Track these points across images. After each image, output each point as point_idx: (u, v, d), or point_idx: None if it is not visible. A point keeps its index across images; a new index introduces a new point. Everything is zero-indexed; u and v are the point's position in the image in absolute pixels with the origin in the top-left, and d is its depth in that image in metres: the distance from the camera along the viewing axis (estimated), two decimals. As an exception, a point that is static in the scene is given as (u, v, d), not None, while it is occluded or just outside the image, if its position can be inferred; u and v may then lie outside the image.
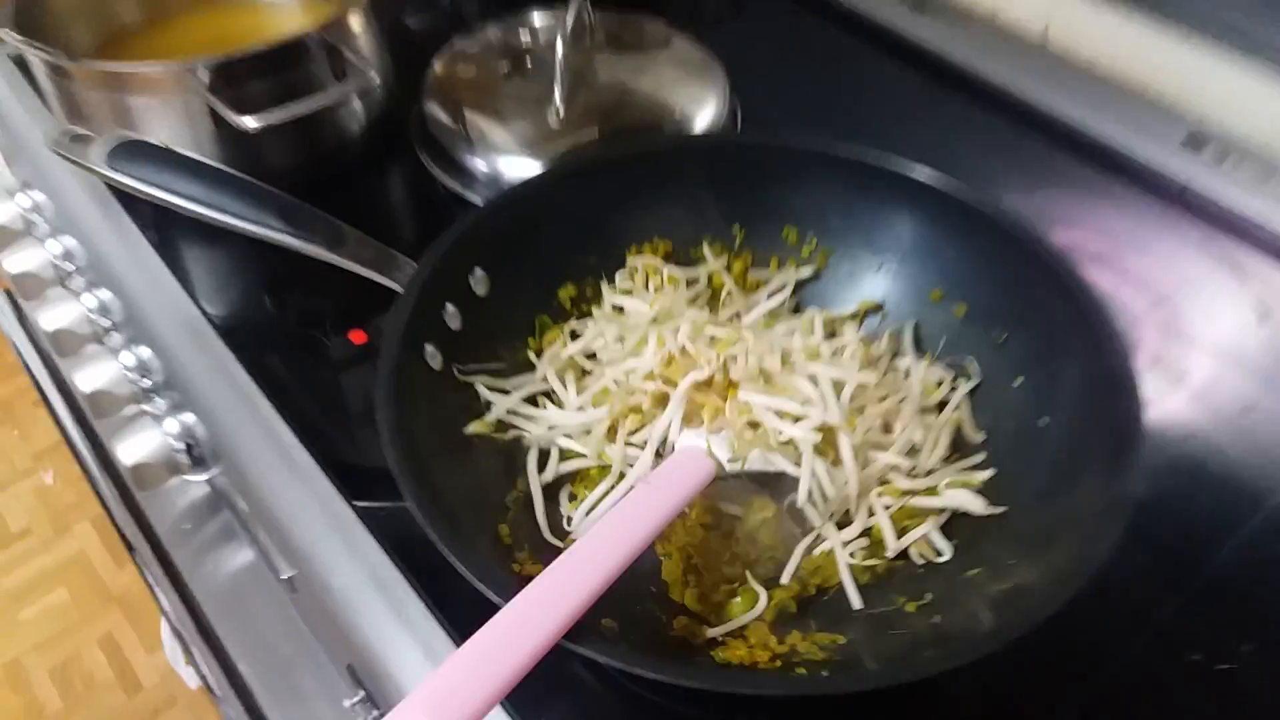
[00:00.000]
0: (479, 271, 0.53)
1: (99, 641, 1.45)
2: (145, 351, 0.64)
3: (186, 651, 0.66)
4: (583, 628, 0.37)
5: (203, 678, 0.62)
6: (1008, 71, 0.78)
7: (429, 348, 0.50)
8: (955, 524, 0.48)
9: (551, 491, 0.50)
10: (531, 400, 0.53)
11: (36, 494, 1.71)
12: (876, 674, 0.40)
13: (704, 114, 0.70)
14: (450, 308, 0.52)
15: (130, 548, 0.71)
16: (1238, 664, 0.45)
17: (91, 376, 0.65)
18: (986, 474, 0.48)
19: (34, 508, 1.69)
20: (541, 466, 0.50)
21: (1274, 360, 0.57)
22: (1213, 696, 0.44)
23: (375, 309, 0.60)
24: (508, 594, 0.37)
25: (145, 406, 0.64)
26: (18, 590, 1.58)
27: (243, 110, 0.60)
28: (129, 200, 0.64)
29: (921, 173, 0.54)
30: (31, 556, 1.62)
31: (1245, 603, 0.47)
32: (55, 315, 0.69)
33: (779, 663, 0.43)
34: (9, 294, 0.89)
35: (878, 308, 0.57)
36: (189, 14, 0.76)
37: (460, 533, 0.41)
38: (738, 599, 0.46)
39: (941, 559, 0.46)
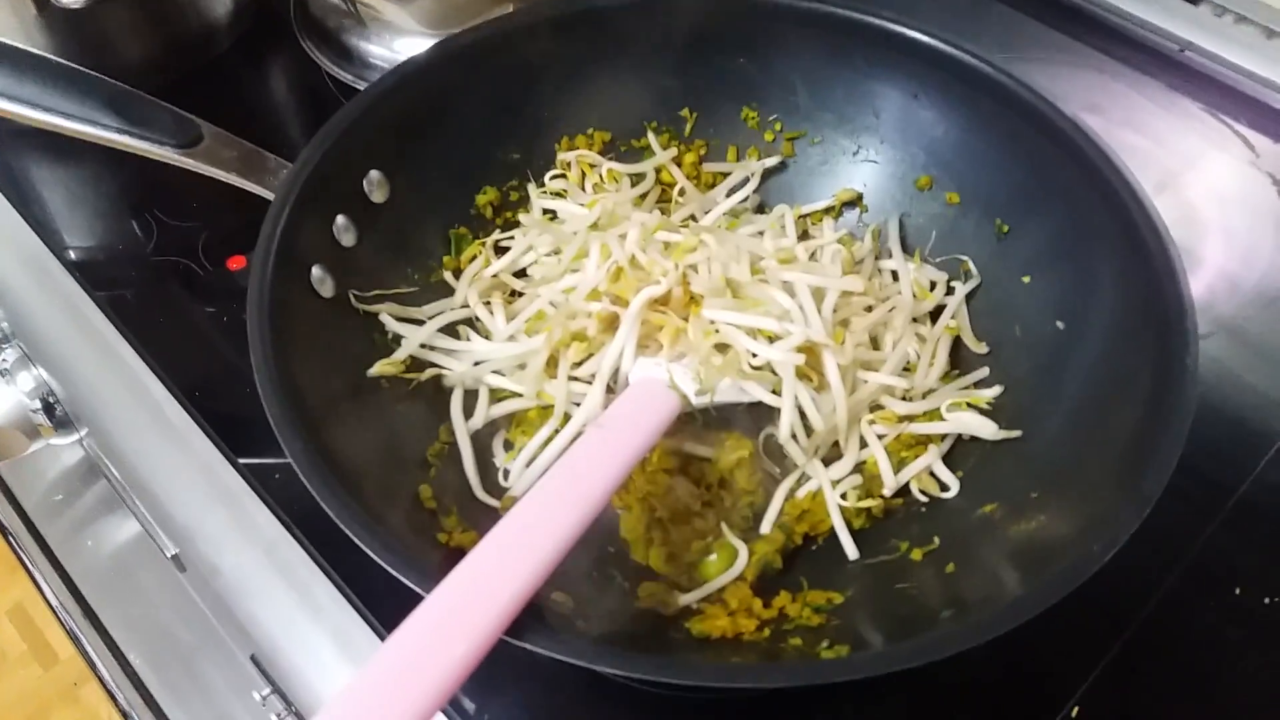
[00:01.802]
0: (374, 174, 0.43)
1: (8, 614, 1.34)
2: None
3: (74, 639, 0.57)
4: (529, 609, 0.29)
5: (93, 668, 0.53)
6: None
7: (316, 270, 0.40)
8: (961, 453, 0.40)
9: (483, 440, 0.41)
10: (451, 331, 0.43)
11: None
12: (888, 656, 0.32)
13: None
14: (341, 219, 0.42)
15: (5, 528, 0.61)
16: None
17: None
18: (994, 391, 0.41)
19: None
20: (469, 412, 0.41)
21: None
22: (1261, 637, 0.38)
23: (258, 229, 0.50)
24: (431, 576, 0.29)
25: (-14, 359, 0.53)
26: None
27: None
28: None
29: (902, 27, 0.45)
30: None
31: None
32: None
33: (767, 631, 0.36)
34: None
35: (857, 199, 0.48)
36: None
37: (365, 500, 0.32)
38: (713, 556, 0.39)
39: (948, 494, 0.39)
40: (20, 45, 0.44)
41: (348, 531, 0.30)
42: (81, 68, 0.42)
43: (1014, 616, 0.30)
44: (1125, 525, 0.30)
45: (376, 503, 0.34)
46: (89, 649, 0.54)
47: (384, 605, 0.37)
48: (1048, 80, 0.60)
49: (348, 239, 0.42)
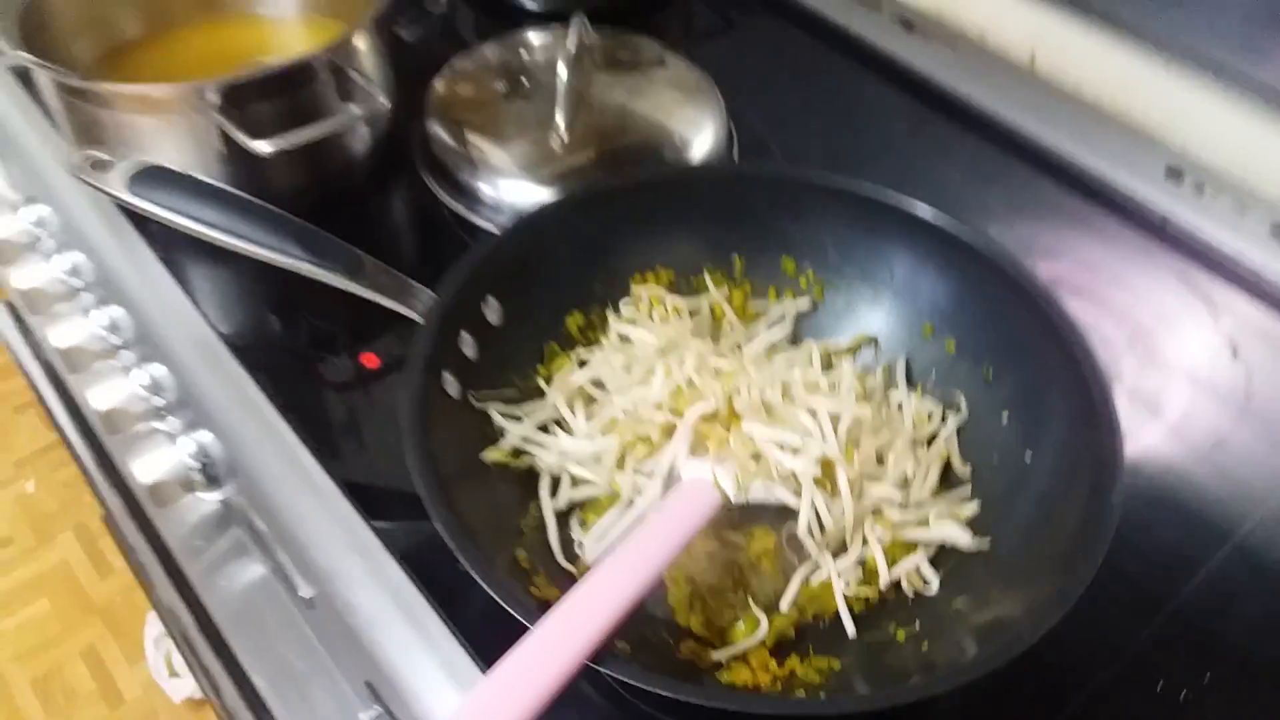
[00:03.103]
0: (492, 300, 0.55)
1: (81, 653, 1.45)
2: (159, 369, 0.65)
3: (179, 664, 0.68)
4: (601, 649, 0.40)
5: (215, 691, 0.64)
6: (994, 96, 0.81)
7: (447, 375, 0.52)
8: (943, 554, 0.51)
9: (564, 517, 0.52)
10: (543, 427, 0.55)
11: (18, 502, 1.70)
12: (869, 698, 0.43)
13: (702, 138, 0.72)
14: (466, 336, 0.54)
15: (139, 565, 0.72)
16: (1199, 694, 0.48)
17: (104, 394, 0.66)
18: (973, 506, 0.51)
19: (15, 517, 1.68)
20: (554, 492, 0.53)
21: (1243, 395, 0.61)
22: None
23: (384, 332, 0.62)
24: (532, 617, 0.40)
25: (158, 424, 0.65)
26: (-1, 600, 1.57)
27: (252, 133, 0.61)
28: (138, 218, 0.65)
29: (912, 206, 0.57)
30: (12, 567, 1.61)
31: (1210, 633, 0.51)
32: (64, 331, 0.70)
33: (779, 685, 0.46)
34: (10, 305, 0.89)
35: (872, 341, 0.59)
36: (190, 27, 0.77)
37: (484, 556, 0.43)
38: (741, 624, 0.49)
39: (930, 589, 0.50)
40: (222, 185, 0.57)
41: (477, 577, 0.41)
42: (274, 208, 0.55)
43: (966, 674, 0.40)
44: (1053, 613, 0.40)
45: (489, 559, 0.44)
46: (213, 672, 0.64)
47: (484, 640, 0.48)
48: (1048, 235, 0.72)
49: (470, 352, 0.54)
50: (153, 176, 0.55)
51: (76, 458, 0.82)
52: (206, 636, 0.65)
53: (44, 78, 0.66)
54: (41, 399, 0.85)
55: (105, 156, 0.56)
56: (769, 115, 0.80)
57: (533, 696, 0.38)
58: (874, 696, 0.44)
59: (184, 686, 1.31)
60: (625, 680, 0.40)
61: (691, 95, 0.76)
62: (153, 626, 1.37)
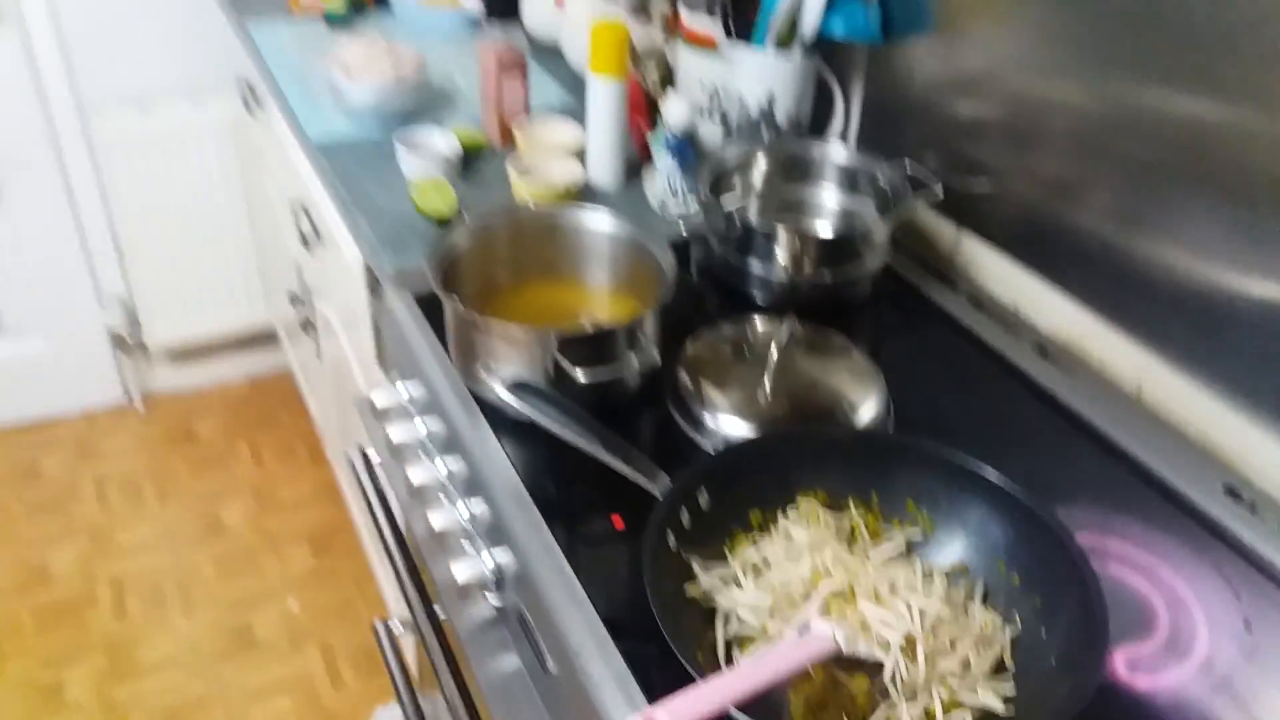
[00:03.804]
0: (704, 491, 0.86)
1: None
2: (479, 505, 0.99)
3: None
4: (741, 704, 0.66)
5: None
6: (1103, 414, 1.07)
7: (669, 534, 0.81)
8: (985, 715, 0.73)
9: (729, 644, 0.79)
10: (725, 581, 0.83)
11: (281, 615, 2.13)
12: None
13: (866, 409, 1.02)
14: (684, 512, 0.84)
15: (426, 647, 1.03)
16: None
17: (438, 517, 1.00)
18: (1009, 688, 0.74)
19: (277, 625, 2.11)
20: (725, 625, 0.80)
21: (1250, 658, 0.80)
22: None
23: (629, 503, 0.93)
24: (702, 674, 0.67)
25: (469, 543, 0.98)
26: (253, 689, 1.96)
27: (573, 363, 0.97)
28: (481, 401, 1.02)
29: (1003, 482, 0.83)
30: (266, 665, 2.02)
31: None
32: (416, 472, 1.06)
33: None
34: (362, 453, 1.28)
35: (962, 568, 0.84)
36: (539, 284, 1.17)
37: (681, 645, 0.71)
38: (837, 735, 0.73)
39: (972, 736, 0.72)
40: (563, 397, 0.91)
41: (676, 651, 0.69)
42: (591, 416, 0.88)
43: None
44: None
45: (693, 658, 0.72)
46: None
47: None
48: (1118, 519, 0.95)
49: (686, 522, 0.83)
50: (521, 387, 0.91)
51: (394, 565, 1.16)
52: (468, 707, 0.94)
53: (449, 309, 1.06)
54: (375, 520, 1.22)
55: (488, 372, 0.93)
56: (922, 399, 1.09)
57: (710, 708, 0.64)
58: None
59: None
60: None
61: (863, 378, 1.06)
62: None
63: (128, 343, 2.65)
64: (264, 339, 2.75)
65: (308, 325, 2.06)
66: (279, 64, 1.78)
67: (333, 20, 1.94)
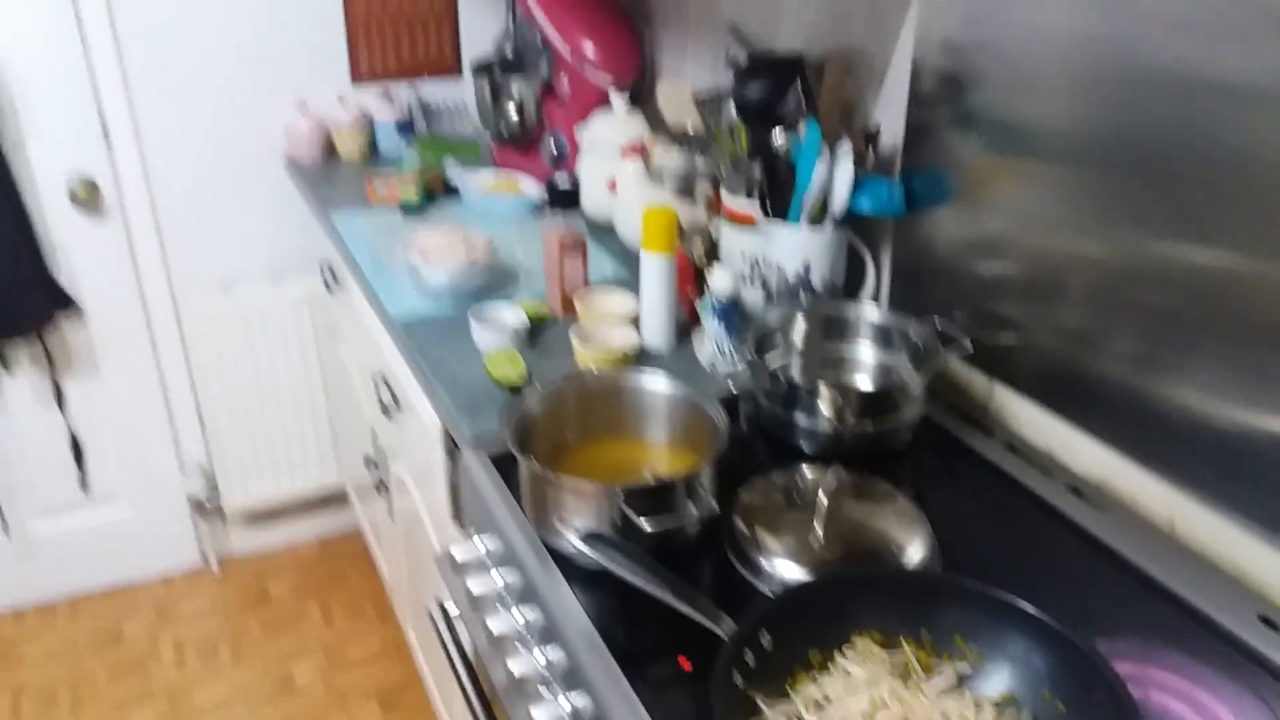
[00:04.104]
0: (766, 633, 0.93)
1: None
2: (556, 651, 1.07)
3: None
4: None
5: None
6: (1137, 548, 1.13)
7: (735, 672, 0.89)
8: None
9: (795, 772, 0.85)
10: (789, 717, 0.89)
11: None
12: None
13: (914, 550, 1.09)
14: (748, 652, 0.91)
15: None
16: None
17: (517, 664, 1.08)
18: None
19: None
20: (791, 756, 0.86)
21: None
22: None
23: (694, 646, 1.01)
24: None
25: (546, 688, 1.06)
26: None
27: (638, 513, 1.07)
28: (554, 551, 1.11)
29: (1046, 618, 0.90)
30: None
31: None
32: (495, 623, 1.14)
33: None
34: (441, 607, 1.37)
35: (1010, 698, 0.90)
36: (604, 442, 1.29)
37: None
38: None
39: None
40: (631, 545, 1.01)
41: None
42: (659, 564, 0.98)
43: None
44: None
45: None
46: None
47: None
48: (1141, 639, 1.00)
49: (750, 662, 0.91)
50: (594, 538, 1.01)
51: (473, 713, 1.23)
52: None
53: (525, 468, 1.17)
54: (455, 669, 1.29)
55: (562, 525, 1.03)
56: (965, 540, 1.16)
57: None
58: None
59: None
60: None
61: (909, 521, 1.14)
62: None
63: (206, 508, 2.80)
64: (334, 500, 2.89)
65: (381, 486, 2.18)
66: (360, 248, 1.97)
67: (408, 209, 2.15)
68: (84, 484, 2.65)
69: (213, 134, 2.48)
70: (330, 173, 2.45)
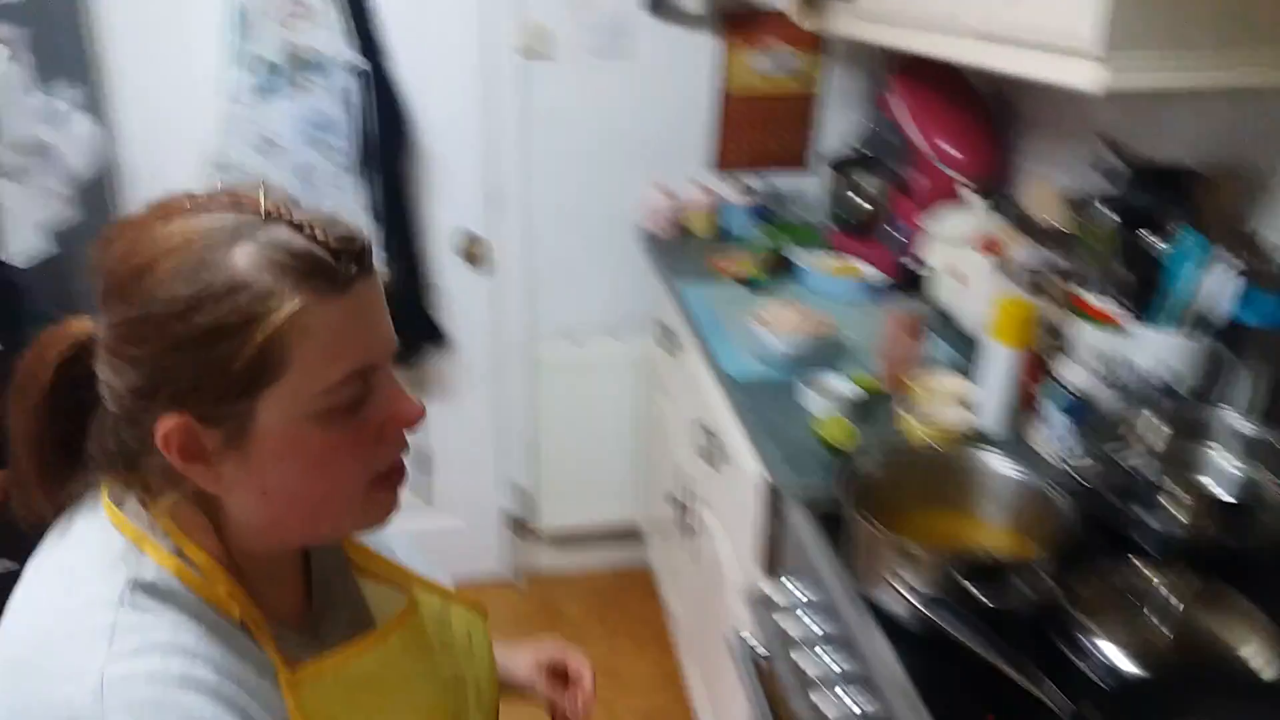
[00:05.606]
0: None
1: None
2: (862, 694, 1.10)
3: None
4: None
5: None
6: None
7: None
8: None
9: None
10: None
11: None
12: None
13: (1262, 663, 1.02)
14: (1080, 731, 0.90)
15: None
16: None
17: (823, 701, 1.13)
18: None
19: None
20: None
21: None
22: None
23: (1004, 704, 0.99)
24: None
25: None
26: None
27: (977, 586, 1.08)
28: (874, 607, 1.15)
29: None
30: None
31: None
32: (806, 662, 1.20)
33: None
34: (739, 635, 1.45)
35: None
36: (934, 512, 1.31)
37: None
38: None
39: None
40: (976, 615, 1.03)
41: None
42: (987, 628, 0.99)
43: None
44: None
45: None
46: None
47: None
48: None
49: (1083, 739, 0.90)
50: (933, 601, 1.04)
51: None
52: None
53: (859, 526, 1.22)
54: (752, 693, 1.36)
55: (897, 583, 1.07)
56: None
57: None
58: None
59: None
60: None
61: (1260, 633, 1.06)
62: None
63: (523, 526, 3.10)
64: (629, 535, 3.13)
65: (684, 526, 2.32)
66: (703, 313, 2.15)
67: (753, 285, 2.31)
68: (428, 495, 3.03)
69: (581, 205, 2.83)
70: (679, 247, 2.68)
